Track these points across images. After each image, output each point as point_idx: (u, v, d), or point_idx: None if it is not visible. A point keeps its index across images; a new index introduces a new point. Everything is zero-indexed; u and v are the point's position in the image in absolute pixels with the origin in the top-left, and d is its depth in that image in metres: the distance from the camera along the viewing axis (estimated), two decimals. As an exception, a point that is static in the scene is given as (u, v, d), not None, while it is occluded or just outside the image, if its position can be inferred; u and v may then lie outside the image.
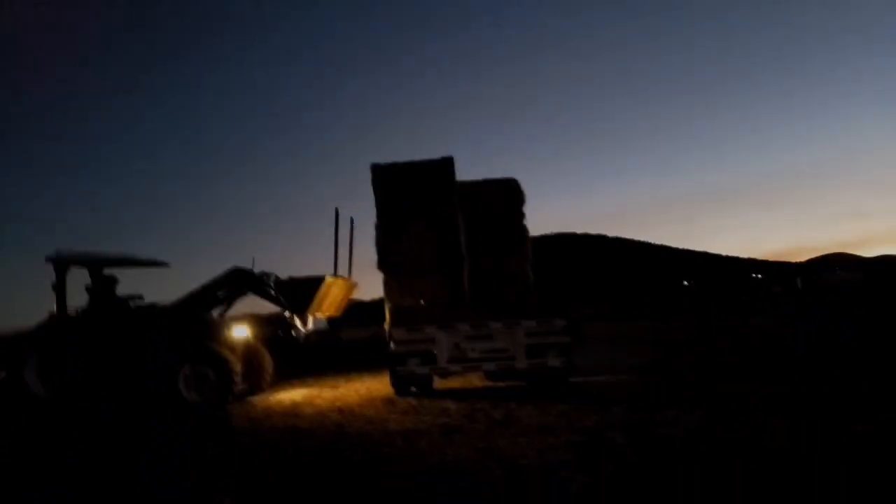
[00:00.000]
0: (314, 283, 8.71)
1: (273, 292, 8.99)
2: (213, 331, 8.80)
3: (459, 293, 9.36)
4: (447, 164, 9.80)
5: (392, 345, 8.07)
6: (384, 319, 8.90)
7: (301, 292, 8.74)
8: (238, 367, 8.32)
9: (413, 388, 8.06)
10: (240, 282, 8.97)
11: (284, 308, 9.15)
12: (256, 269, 8.97)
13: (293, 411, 7.34)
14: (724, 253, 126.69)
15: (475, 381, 9.00)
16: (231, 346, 8.69)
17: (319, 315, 9.56)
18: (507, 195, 11.56)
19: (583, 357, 9.68)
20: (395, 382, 8.07)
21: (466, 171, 10.31)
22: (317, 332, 10.40)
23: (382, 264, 9.45)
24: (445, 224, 9.54)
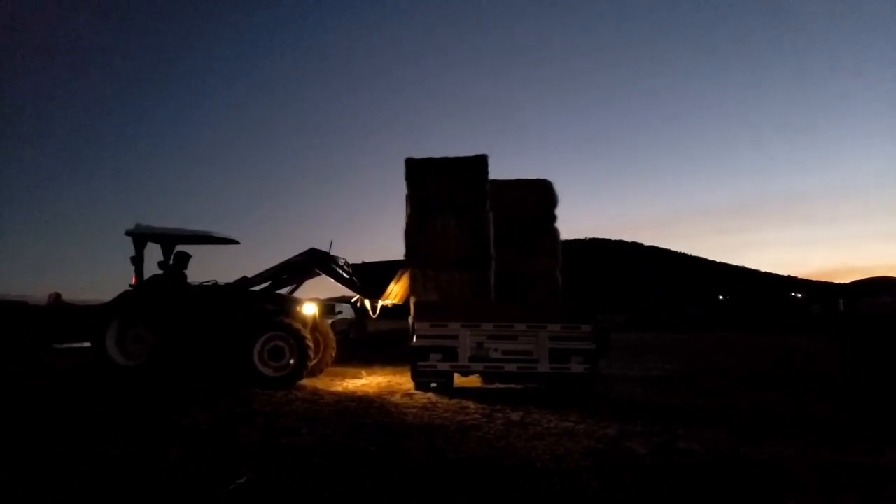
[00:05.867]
0: (390, 269, 8.81)
1: (346, 275, 9.23)
2: (289, 306, 9.01)
3: (485, 291, 9.33)
4: (481, 161, 9.78)
5: (414, 339, 8.08)
6: (409, 313, 8.93)
7: (375, 277, 8.92)
8: (311, 342, 8.51)
9: (433, 384, 8.04)
10: (315, 263, 9.17)
11: (357, 292, 9.33)
12: (332, 252, 9.22)
13: (313, 398, 7.40)
14: (762, 269, 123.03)
15: (496, 380, 8.94)
16: (303, 323, 8.86)
17: (389, 302, 9.72)
18: (540, 196, 11.46)
19: (608, 365, 9.53)
20: (416, 377, 8.07)
21: (501, 171, 10.26)
22: (343, 321, 10.56)
23: (410, 258, 9.48)
24: (475, 221, 9.52)
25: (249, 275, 9.13)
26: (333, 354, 9.85)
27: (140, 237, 8.90)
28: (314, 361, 8.94)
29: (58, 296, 14.25)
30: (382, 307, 9.76)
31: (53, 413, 6.39)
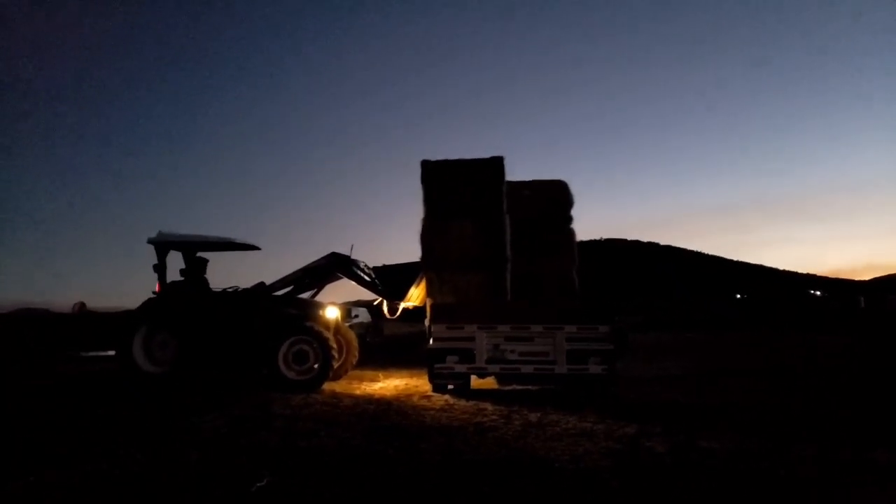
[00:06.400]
0: (411, 271, 8.83)
1: (368, 278, 9.32)
2: (312, 310, 9.08)
3: (501, 293, 9.31)
4: (497, 163, 9.74)
5: (431, 341, 8.10)
6: (425, 316, 8.95)
7: (396, 279, 8.96)
8: (335, 346, 8.58)
9: (450, 386, 8.05)
10: (337, 267, 9.23)
11: (380, 295, 9.40)
12: (352, 256, 9.28)
13: (332, 401, 7.45)
14: (780, 267, 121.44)
15: (513, 382, 8.92)
16: (327, 326, 8.92)
17: (410, 304, 9.80)
18: (556, 197, 11.42)
19: (627, 365, 9.48)
20: (433, 379, 8.09)
21: (517, 172, 10.18)
22: (359, 325, 10.62)
23: (426, 260, 9.49)
24: (492, 223, 9.50)
25: (272, 280, 9.20)
26: (356, 358, 9.91)
27: (162, 245, 8.98)
28: (337, 364, 9.00)
29: (82, 305, 14.46)
30: (403, 309, 9.79)
31: (55, 413, 6.53)
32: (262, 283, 9.15)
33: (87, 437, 5.35)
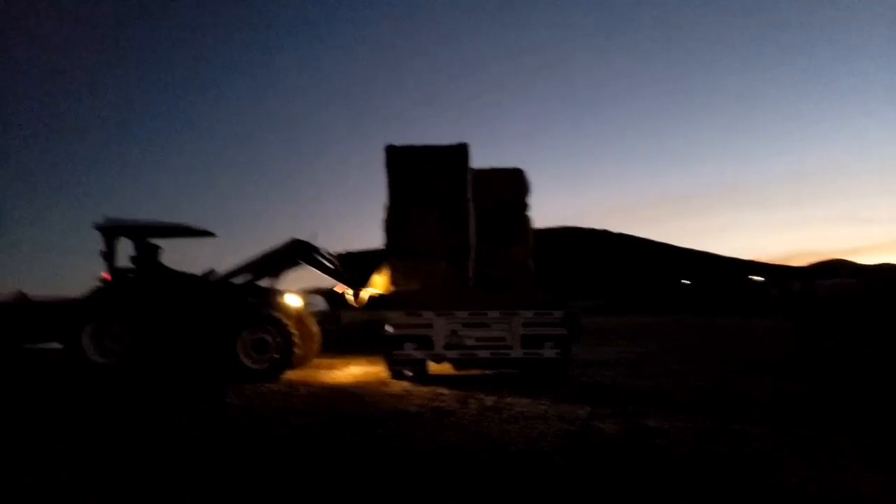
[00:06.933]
0: (376, 258, 8.72)
1: (330, 266, 9.11)
2: (272, 298, 8.87)
3: (465, 281, 9.35)
4: (462, 150, 9.65)
5: (389, 328, 8.10)
6: (384, 304, 8.91)
7: (360, 267, 8.82)
8: (297, 334, 8.41)
9: (408, 372, 8.09)
10: (298, 254, 9.01)
11: (342, 282, 9.22)
12: (314, 243, 9.07)
13: (288, 391, 7.37)
14: (724, 253, 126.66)
15: (470, 367, 9.02)
16: (287, 314, 8.73)
17: (374, 291, 9.65)
18: (513, 184, 11.50)
19: (581, 349, 9.73)
20: (391, 365, 8.11)
21: (476, 158, 10.13)
22: (316, 314, 10.47)
23: (389, 247, 9.41)
24: (456, 211, 9.45)
25: (227, 267, 8.93)
26: (318, 346, 9.78)
27: (109, 231, 8.57)
28: (301, 353, 8.84)
29: (23, 295, 13.59)
30: (370, 297, 9.68)
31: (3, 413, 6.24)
32: (212, 271, 8.91)
33: (23, 436, 5.14)
